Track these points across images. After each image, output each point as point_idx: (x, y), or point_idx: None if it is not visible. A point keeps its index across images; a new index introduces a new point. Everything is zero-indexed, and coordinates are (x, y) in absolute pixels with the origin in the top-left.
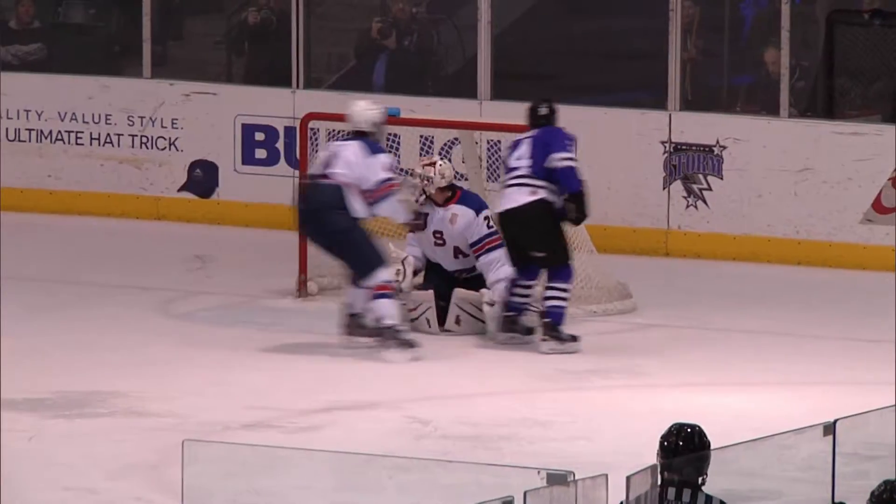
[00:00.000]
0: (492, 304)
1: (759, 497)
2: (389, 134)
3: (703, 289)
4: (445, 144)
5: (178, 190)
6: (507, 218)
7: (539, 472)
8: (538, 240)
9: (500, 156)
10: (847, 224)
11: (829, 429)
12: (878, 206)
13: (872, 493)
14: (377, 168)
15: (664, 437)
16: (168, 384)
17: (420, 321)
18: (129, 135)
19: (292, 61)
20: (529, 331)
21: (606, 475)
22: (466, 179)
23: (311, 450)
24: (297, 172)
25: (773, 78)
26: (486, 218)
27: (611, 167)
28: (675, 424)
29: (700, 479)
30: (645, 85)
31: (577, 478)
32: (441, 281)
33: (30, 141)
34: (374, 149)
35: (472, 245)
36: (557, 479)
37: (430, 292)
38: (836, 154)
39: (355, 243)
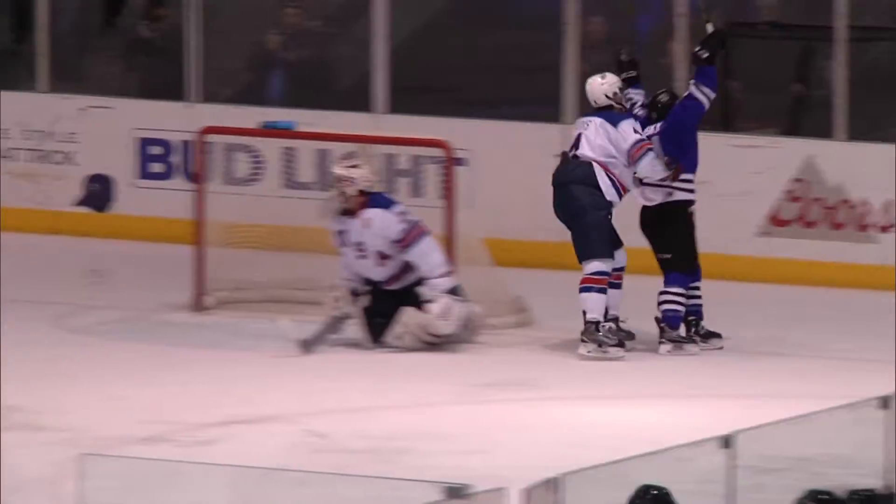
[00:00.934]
0: (433, 301)
1: None
2: (285, 148)
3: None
4: (341, 158)
5: (75, 204)
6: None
7: (437, 486)
8: (666, 242)
9: (397, 169)
10: (744, 237)
11: (727, 441)
12: (775, 219)
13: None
14: (624, 135)
15: (632, 501)
16: (64, 398)
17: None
18: (26, 149)
19: (187, 75)
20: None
21: (506, 488)
22: None
23: (209, 464)
24: (194, 186)
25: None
26: (401, 212)
27: (508, 180)
28: (642, 487)
29: None
30: (541, 98)
31: (474, 491)
32: (381, 298)
33: None
34: (614, 119)
35: (396, 242)
36: (455, 492)
37: (360, 309)
38: (733, 167)
39: (586, 225)
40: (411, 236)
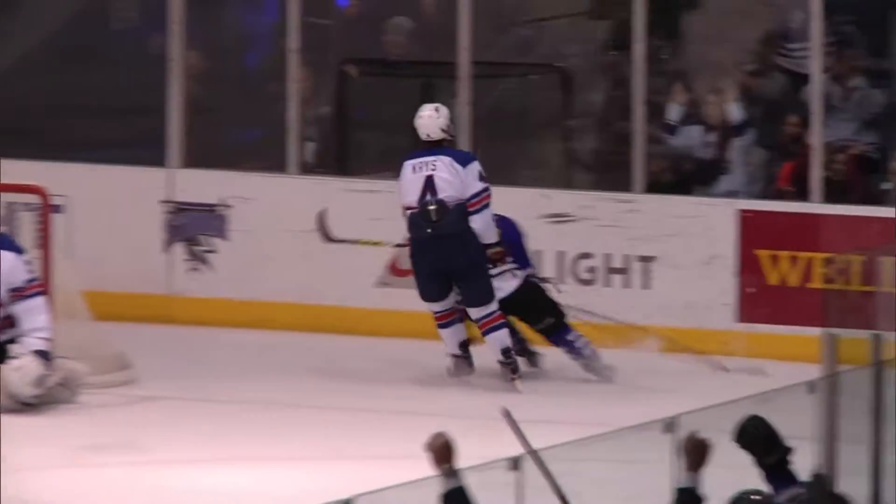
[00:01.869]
0: (16, 357)
1: None
2: None
3: (208, 358)
4: None
5: None
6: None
7: None
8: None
9: None
10: (361, 287)
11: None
12: (394, 268)
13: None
14: (472, 179)
15: None
16: None
17: None
18: None
19: None
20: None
21: None
22: None
23: None
24: None
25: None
26: (28, 261)
27: (107, 229)
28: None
29: None
30: (143, 140)
31: None
32: None
33: None
34: (461, 158)
35: (14, 290)
36: None
37: None
38: (349, 213)
39: (484, 270)
40: (31, 288)
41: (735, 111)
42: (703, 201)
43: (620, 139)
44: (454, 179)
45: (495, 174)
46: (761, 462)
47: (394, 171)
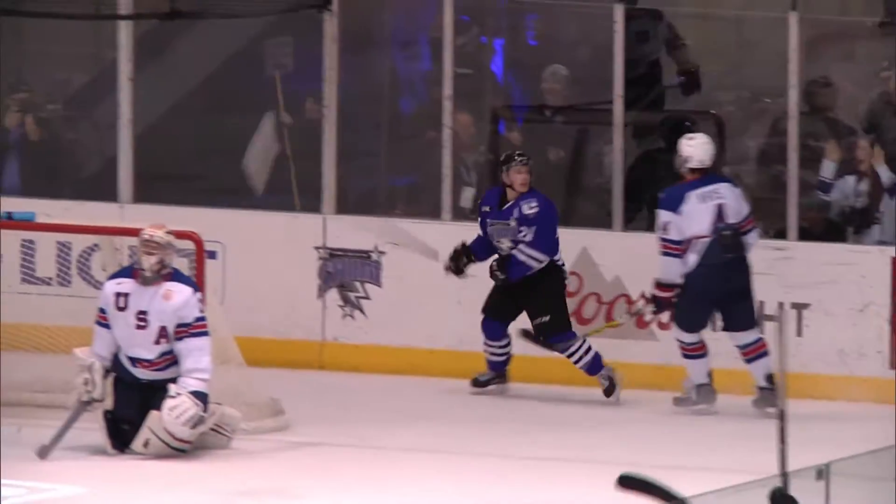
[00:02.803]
0: (174, 397)
1: None
2: (23, 241)
3: (361, 403)
4: (84, 251)
5: None
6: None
7: None
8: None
9: None
10: (513, 334)
11: None
12: None
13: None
14: (743, 203)
15: None
16: None
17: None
18: None
19: None
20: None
21: None
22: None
23: None
24: None
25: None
26: (200, 300)
27: (261, 275)
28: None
29: None
30: (297, 186)
31: None
32: (125, 402)
33: None
34: (732, 184)
35: (183, 326)
36: None
37: (100, 413)
38: None
39: (753, 294)
40: (198, 327)
41: (885, 174)
42: (856, 248)
43: (775, 186)
44: (735, 205)
45: (648, 220)
46: None
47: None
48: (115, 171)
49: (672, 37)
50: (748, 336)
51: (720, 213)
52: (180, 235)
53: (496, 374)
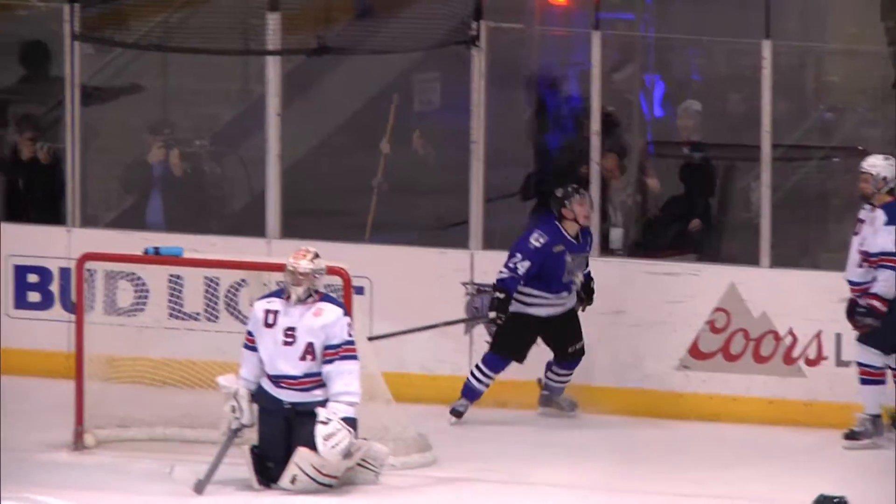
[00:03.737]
0: (326, 422)
1: None
2: (171, 276)
3: (508, 439)
4: (232, 287)
5: None
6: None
7: None
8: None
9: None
10: (663, 370)
11: None
12: (695, 350)
13: None
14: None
15: None
16: None
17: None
18: None
19: (68, 197)
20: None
21: None
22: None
23: None
24: (73, 317)
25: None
26: (349, 324)
27: (408, 310)
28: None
29: None
30: (445, 222)
31: None
32: (274, 421)
33: None
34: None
35: (331, 347)
36: None
37: (246, 448)
38: (650, 295)
39: None
40: (347, 350)
41: None
42: None
43: None
44: None
45: (795, 257)
46: None
47: (694, 253)
48: (263, 206)
49: None
50: None
51: None
52: (329, 271)
53: (471, 403)
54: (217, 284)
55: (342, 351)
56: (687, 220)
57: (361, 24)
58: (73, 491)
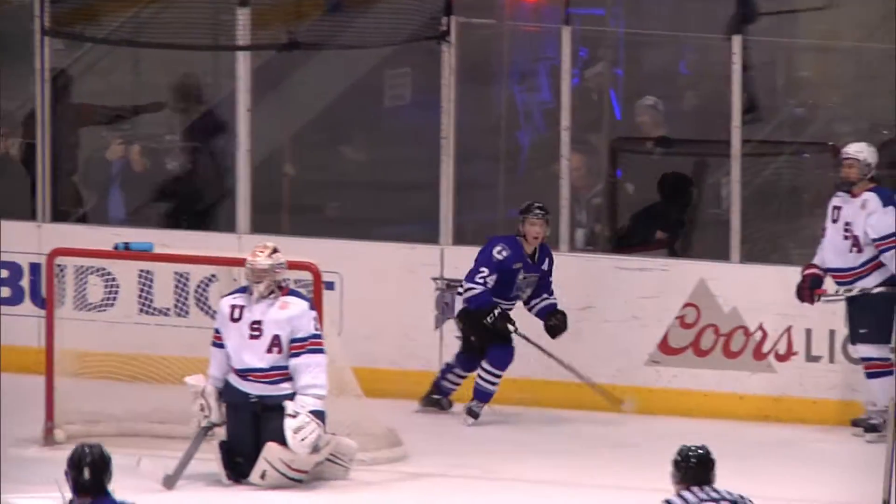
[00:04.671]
0: (294, 416)
1: None
2: (141, 271)
3: (478, 435)
4: (202, 282)
5: None
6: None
7: None
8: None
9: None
10: (633, 365)
11: None
12: (664, 346)
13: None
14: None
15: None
16: None
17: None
18: None
19: (38, 193)
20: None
21: None
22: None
23: None
24: (43, 312)
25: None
26: (315, 318)
27: (378, 305)
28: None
29: None
30: (414, 218)
31: None
32: (242, 416)
33: None
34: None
35: (297, 341)
36: None
37: (216, 444)
38: (620, 290)
39: None
40: (314, 343)
41: None
42: None
43: None
44: None
45: (766, 252)
46: None
47: (663, 249)
48: (234, 202)
49: None
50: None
51: None
52: (298, 266)
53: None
54: (187, 280)
55: (309, 344)
56: (659, 225)
57: (332, 19)
58: (42, 486)
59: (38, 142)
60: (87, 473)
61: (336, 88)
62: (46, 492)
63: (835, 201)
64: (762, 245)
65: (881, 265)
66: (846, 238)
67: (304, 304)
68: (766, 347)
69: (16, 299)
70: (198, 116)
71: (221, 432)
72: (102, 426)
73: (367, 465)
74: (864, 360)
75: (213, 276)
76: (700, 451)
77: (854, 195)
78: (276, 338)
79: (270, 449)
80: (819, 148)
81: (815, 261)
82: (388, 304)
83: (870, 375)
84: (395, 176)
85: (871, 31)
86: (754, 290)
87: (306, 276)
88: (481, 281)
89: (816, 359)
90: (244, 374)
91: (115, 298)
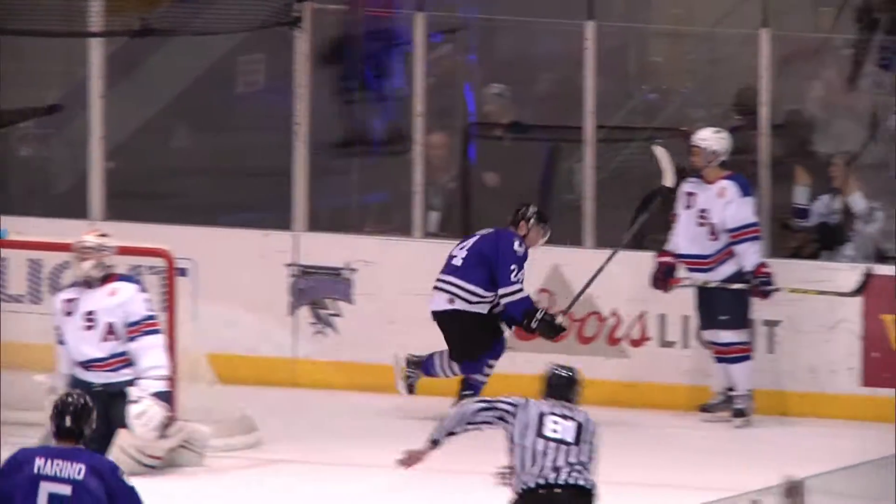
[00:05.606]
0: (137, 401)
1: None
2: None
3: (334, 421)
4: (56, 268)
5: None
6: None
7: None
8: (450, 343)
9: None
10: None
11: None
12: (517, 332)
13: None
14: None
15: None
16: None
17: None
18: None
19: None
20: None
21: None
22: None
23: None
24: None
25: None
26: (147, 300)
27: (232, 292)
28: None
29: None
30: (268, 204)
31: None
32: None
33: None
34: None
35: (131, 325)
36: None
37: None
38: None
39: None
40: (149, 325)
41: (858, 202)
42: (827, 266)
43: None
44: None
45: (619, 238)
46: None
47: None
48: (87, 189)
49: None
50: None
51: None
52: (151, 252)
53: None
54: (41, 266)
55: (144, 326)
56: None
57: (185, 5)
58: None
59: None
60: (68, 420)
61: (190, 74)
62: None
63: (687, 187)
64: (616, 231)
65: (735, 253)
66: (701, 225)
67: (133, 288)
68: (619, 333)
69: None
70: (52, 103)
71: None
72: None
73: (220, 451)
74: (725, 345)
75: (67, 262)
76: (566, 370)
77: (709, 182)
78: (110, 325)
79: (122, 436)
80: (672, 133)
81: (669, 247)
82: (242, 290)
83: (731, 360)
84: (248, 161)
85: (725, 16)
86: (608, 276)
87: (160, 262)
88: (517, 280)
89: (670, 344)
90: (85, 365)
91: None
